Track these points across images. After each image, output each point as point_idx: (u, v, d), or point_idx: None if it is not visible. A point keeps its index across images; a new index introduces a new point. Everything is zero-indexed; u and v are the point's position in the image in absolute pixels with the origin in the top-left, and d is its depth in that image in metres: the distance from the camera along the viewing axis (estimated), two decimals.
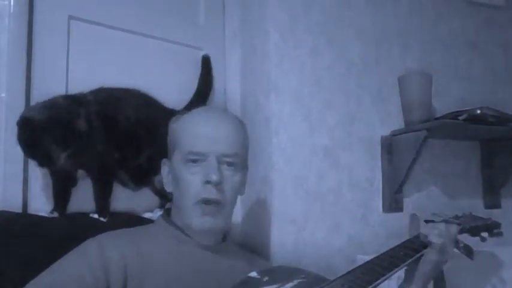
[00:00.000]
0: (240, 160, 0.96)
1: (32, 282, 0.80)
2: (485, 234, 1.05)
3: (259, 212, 1.28)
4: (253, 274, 0.81)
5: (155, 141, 1.10)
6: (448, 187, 1.47)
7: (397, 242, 0.90)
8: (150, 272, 0.86)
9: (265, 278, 0.80)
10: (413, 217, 0.96)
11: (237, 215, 1.29)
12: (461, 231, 1.00)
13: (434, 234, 0.89)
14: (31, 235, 0.94)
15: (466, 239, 1.00)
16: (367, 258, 0.85)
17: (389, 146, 1.36)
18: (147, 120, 1.13)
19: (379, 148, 1.38)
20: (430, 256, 0.88)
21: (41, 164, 0.99)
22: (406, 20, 1.48)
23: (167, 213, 1.01)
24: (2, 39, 1.08)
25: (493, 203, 1.52)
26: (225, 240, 1.00)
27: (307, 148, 1.29)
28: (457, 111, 1.31)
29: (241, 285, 0.79)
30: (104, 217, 1.06)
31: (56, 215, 1.05)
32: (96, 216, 1.06)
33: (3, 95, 1.08)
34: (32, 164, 1.03)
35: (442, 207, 1.12)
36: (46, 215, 1.04)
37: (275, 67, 1.28)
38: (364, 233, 1.32)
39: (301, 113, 1.29)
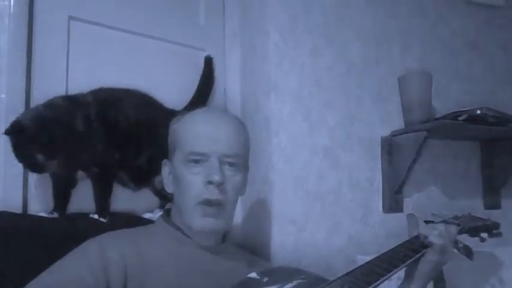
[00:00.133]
0: (241, 160, 0.96)
1: (32, 282, 0.80)
2: (484, 235, 1.05)
3: (259, 212, 1.28)
4: (253, 275, 0.81)
5: (155, 141, 1.10)
6: (448, 187, 1.47)
7: (397, 243, 0.90)
8: (150, 273, 0.86)
9: (265, 279, 0.80)
10: (411, 217, 0.96)
11: (237, 215, 1.29)
12: (460, 232, 1.00)
13: (435, 235, 0.89)
14: (31, 235, 0.94)
15: (465, 239, 1.00)
16: (367, 258, 0.85)
17: (389, 146, 1.36)
18: (147, 120, 1.13)
19: (379, 148, 1.38)
20: (430, 256, 0.88)
21: (30, 170, 0.99)
22: (406, 20, 1.48)
23: (167, 214, 1.01)
24: (2, 39, 1.08)
25: (493, 204, 1.52)
26: (225, 241, 1.00)
27: (307, 148, 1.29)
28: (457, 112, 1.31)
29: (241, 286, 0.79)
30: (104, 217, 1.06)
31: (55, 215, 1.05)
32: (96, 216, 1.06)
33: (3, 95, 1.08)
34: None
35: (442, 208, 1.12)
36: (46, 215, 1.04)
37: (275, 67, 1.28)
38: (364, 233, 1.32)
39: (301, 113, 1.29)
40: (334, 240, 1.28)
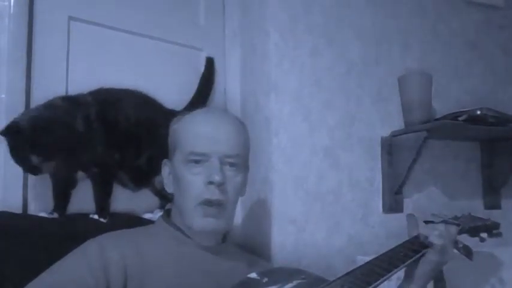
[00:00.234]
0: (241, 161, 0.96)
1: (32, 283, 0.80)
2: (484, 235, 1.05)
3: (259, 212, 1.28)
4: (253, 275, 0.81)
5: (155, 141, 1.10)
6: (448, 188, 1.47)
7: (397, 243, 0.90)
8: (150, 273, 0.86)
9: (265, 279, 0.80)
10: (411, 217, 0.96)
11: (237, 215, 1.29)
12: (460, 232, 0.99)
13: (435, 235, 0.89)
14: (31, 236, 0.94)
15: (465, 239, 1.00)
16: (367, 258, 0.85)
17: (389, 147, 1.36)
18: (147, 120, 1.13)
19: (379, 148, 1.38)
20: (430, 257, 0.88)
21: (26, 171, 0.98)
22: (406, 20, 1.48)
23: (167, 214, 1.00)
24: (2, 39, 1.08)
25: (493, 204, 1.52)
26: (225, 241, 1.00)
27: (307, 148, 1.29)
28: (457, 112, 1.31)
29: (241, 286, 0.79)
30: (104, 218, 1.06)
31: (55, 215, 1.05)
32: (96, 217, 1.06)
33: (3, 95, 1.08)
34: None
35: (442, 208, 1.12)
36: (46, 215, 1.04)
37: (275, 67, 1.28)
38: (364, 233, 1.32)
39: (301, 113, 1.29)
40: (334, 240, 1.28)
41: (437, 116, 1.39)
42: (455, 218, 1.05)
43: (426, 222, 1.00)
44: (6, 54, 1.08)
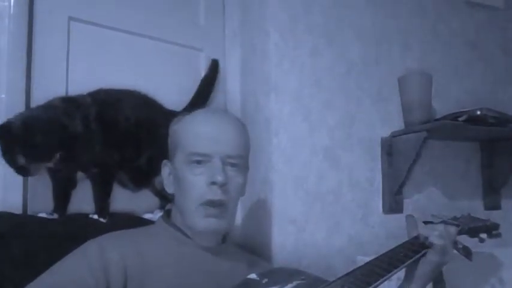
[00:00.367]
0: (242, 161, 0.96)
1: (32, 283, 0.80)
2: (483, 236, 1.05)
3: (259, 212, 1.28)
4: (253, 276, 0.81)
5: (155, 142, 1.10)
6: (448, 188, 1.47)
7: (397, 243, 0.90)
8: (150, 273, 0.86)
9: (265, 280, 0.80)
10: (410, 217, 0.96)
11: (237, 215, 1.29)
12: (460, 233, 0.99)
13: (435, 236, 0.89)
14: (31, 236, 0.94)
15: (464, 240, 1.00)
16: (367, 259, 0.85)
17: (389, 147, 1.36)
18: (147, 121, 1.13)
19: (379, 149, 1.38)
20: (430, 257, 0.88)
21: (16, 173, 0.97)
22: (406, 20, 1.48)
23: (167, 215, 1.01)
24: (2, 40, 1.08)
25: (493, 204, 1.52)
26: (225, 242, 1.00)
27: (307, 148, 1.29)
28: (457, 112, 1.31)
29: (241, 287, 0.79)
30: (104, 218, 1.06)
31: (55, 216, 1.05)
32: (95, 217, 1.06)
33: (3, 96, 1.08)
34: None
35: (442, 208, 1.13)
36: (46, 216, 1.04)
37: (275, 67, 1.28)
38: (364, 233, 1.32)
39: (301, 113, 1.29)
40: (334, 240, 1.28)
41: (437, 116, 1.39)
42: (455, 218, 1.05)
43: (426, 222, 1.00)
44: (6, 54, 1.08)
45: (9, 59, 1.08)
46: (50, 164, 0.99)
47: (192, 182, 0.91)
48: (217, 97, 1.40)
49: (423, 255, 0.88)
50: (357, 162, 1.35)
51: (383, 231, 1.35)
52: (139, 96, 1.15)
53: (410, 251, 0.88)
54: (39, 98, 1.05)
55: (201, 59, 1.40)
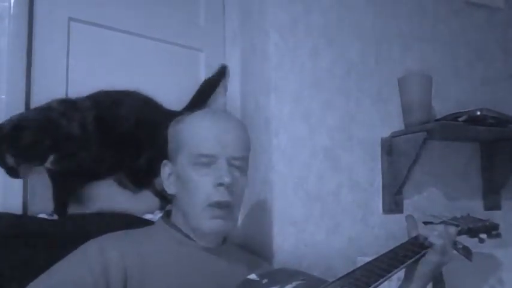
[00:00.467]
0: (245, 162, 0.97)
1: (32, 283, 0.80)
2: (483, 236, 1.05)
3: (259, 213, 1.28)
4: (253, 276, 0.81)
5: (155, 143, 1.10)
6: (448, 189, 1.47)
7: (397, 244, 0.90)
8: (150, 274, 0.87)
9: (265, 280, 0.80)
10: (410, 218, 0.96)
11: None
12: (459, 233, 0.99)
13: (435, 236, 0.89)
14: (31, 237, 0.94)
15: (464, 240, 1.00)
16: (368, 259, 0.85)
17: (389, 148, 1.36)
18: (147, 122, 1.13)
19: (379, 149, 1.38)
20: (430, 257, 0.88)
21: (7, 174, 0.96)
22: (406, 20, 1.48)
23: (167, 215, 1.01)
24: (2, 40, 1.08)
25: (493, 205, 1.52)
26: (225, 242, 1.00)
27: (307, 149, 1.29)
28: (457, 113, 1.31)
29: None
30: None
31: (55, 217, 1.05)
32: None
33: (3, 96, 1.08)
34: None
35: (442, 209, 1.13)
36: (46, 217, 1.04)
37: (275, 68, 1.28)
38: (364, 234, 1.32)
39: (301, 113, 1.29)
40: (334, 241, 1.28)
41: (437, 117, 1.39)
42: (455, 219, 1.05)
43: (425, 223, 1.00)
44: (6, 55, 1.08)
45: (9, 59, 1.09)
46: (45, 166, 0.98)
47: (198, 183, 0.91)
48: (217, 97, 1.40)
49: (423, 255, 0.88)
50: (357, 163, 1.35)
51: (383, 232, 1.34)
52: (139, 97, 1.15)
53: (410, 251, 0.88)
54: (39, 98, 1.05)
55: (201, 60, 1.40)
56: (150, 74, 1.27)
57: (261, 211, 1.27)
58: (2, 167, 0.95)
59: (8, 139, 0.92)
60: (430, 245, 0.88)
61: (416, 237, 0.92)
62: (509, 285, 1.33)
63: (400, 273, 0.88)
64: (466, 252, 0.98)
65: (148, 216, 1.16)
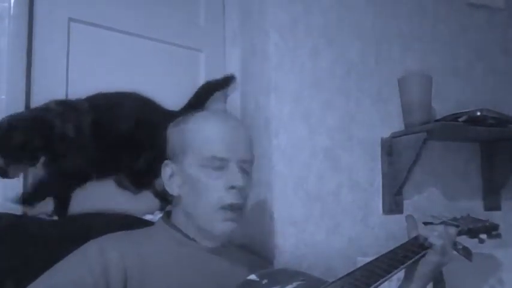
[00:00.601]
0: (252, 166, 0.98)
1: (32, 284, 0.80)
2: (483, 236, 1.05)
3: (259, 213, 1.28)
4: (253, 277, 0.82)
5: (155, 144, 1.10)
6: (448, 189, 1.47)
7: (397, 244, 0.90)
8: (150, 274, 0.87)
9: (264, 281, 0.81)
10: (410, 218, 0.96)
11: None
12: (459, 233, 0.99)
13: (435, 236, 0.89)
14: (31, 237, 0.94)
15: (464, 240, 1.00)
16: (368, 260, 0.85)
17: (389, 148, 1.36)
18: (147, 123, 1.12)
19: (379, 150, 1.38)
20: (430, 258, 0.88)
21: None
22: (406, 21, 1.48)
23: (167, 216, 1.01)
24: (2, 41, 1.08)
25: (493, 205, 1.52)
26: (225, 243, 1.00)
27: (307, 149, 1.29)
28: (457, 113, 1.31)
29: None
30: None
31: (55, 217, 1.05)
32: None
33: (3, 96, 1.08)
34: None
35: (442, 209, 1.12)
36: (46, 217, 1.04)
37: (275, 68, 1.28)
38: (364, 234, 1.32)
39: (301, 113, 1.29)
40: (334, 241, 1.28)
41: (437, 117, 1.39)
42: (455, 219, 1.05)
43: (425, 223, 1.00)
44: (6, 55, 1.09)
45: (9, 59, 1.09)
46: (36, 167, 0.97)
47: (209, 185, 0.91)
48: (217, 98, 1.40)
49: (423, 256, 0.88)
50: (357, 163, 1.35)
51: (383, 232, 1.34)
52: (139, 98, 1.14)
53: (410, 251, 0.88)
54: (39, 98, 1.05)
55: (200, 60, 1.40)
56: (150, 74, 1.27)
57: (261, 211, 1.27)
58: None
59: None
60: (430, 246, 0.88)
61: (416, 238, 0.92)
62: (509, 286, 1.33)
63: (400, 274, 0.88)
64: (466, 253, 0.98)
65: (148, 217, 1.16)
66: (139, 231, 0.98)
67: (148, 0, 1.32)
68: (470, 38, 1.57)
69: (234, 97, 1.43)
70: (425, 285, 0.91)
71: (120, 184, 1.15)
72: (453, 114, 1.32)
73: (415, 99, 1.34)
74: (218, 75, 1.40)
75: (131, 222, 1.06)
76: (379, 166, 1.37)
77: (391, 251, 0.88)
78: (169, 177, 0.97)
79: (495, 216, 1.17)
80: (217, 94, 1.36)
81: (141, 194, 1.19)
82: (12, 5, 1.10)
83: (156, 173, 1.06)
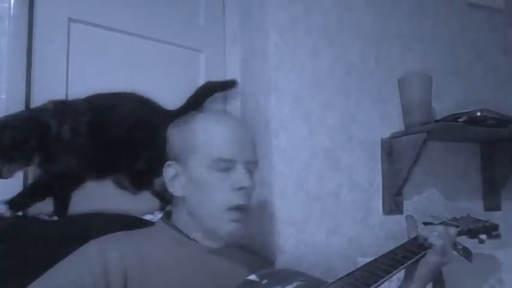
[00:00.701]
0: (256, 167, 0.98)
1: (32, 284, 0.80)
2: (483, 237, 1.05)
3: (259, 213, 1.28)
4: (253, 277, 0.82)
5: (154, 144, 1.09)
6: (448, 189, 1.47)
7: (397, 244, 0.90)
8: (150, 274, 0.87)
9: (264, 281, 0.80)
10: (410, 218, 0.96)
11: None
12: (459, 234, 0.99)
13: (435, 236, 0.89)
14: (31, 237, 0.94)
15: (464, 241, 1.00)
16: (368, 260, 0.85)
17: (389, 148, 1.37)
18: (146, 123, 1.12)
19: (379, 150, 1.38)
20: (430, 258, 0.88)
21: None
22: (406, 21, 1.48)
23: (167, 216, 1.01)
24: (2, 41, 1.09)
25: (493, 205, 1.52)
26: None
27: (307, 150, 1.29)
28: (457, 114, 1.31)
29: None
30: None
31: (55, 218, 1.04)
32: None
33: (3, 96, 1.08)
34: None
35: (442, 210, 1.12)
36: (46, 218, 1.04)
37: (275, 68, 1.28)
38: (364, 235, 1.32)
39: (301, 114, 1.29)
40: (334, 242, 1.28)
41: (437, 117, 1.39)
42: (454, 219, 1.06)
43: (425, 223, 1.00)
44: (6, 55, 1.09)
45: (9, 60, 1.09)
46: (31, 167, 0.97)
47: (216, 186, 0.91)
48: (217, 98, 1.40)
49: (423, 256, 0.88)
50: (357, 163, 1.35)
51: (383, 232, 1.35)
52: (138, 99, 1.14)
53: (410, 252, 0.88)
54: (39, 98, 1.05)
55: (200, 60, 1.40)
56: (149, 74, 1.27)
57: (261, 212, 1.27)
58: None
59: None
60: (430, 246, 0.88)
61: (416, 238, 0.92)
62: (509, 286, 1.33)
63: (400, 274, 0.88)
64: (466, 253, 0.98)
65: (148, 217, 1.16)
66: (139, 231, 0.98)
67: (148, 0, 1.32)
68: (470, 38, 1.58)
69: (233, 97, 1.43)
70: (425, 285, 0.91)
71: (119, 184, 1.15)
72: (453, 114, 1.32)
73: (415, 100, 1.34)
74: (218, 75, 1.40)
75: (131, 222, 1.06)
76: (379, 166, 1.38)
77: (391, 251, 0.88)
78: (173, 177, 0.96)
79: (495, 217, 1.17)
80: (217, 94, 1.36)
81: (141, 194, 1.20)
82: (12, 5, 1.10)
83: (155, 173, 1.06)
